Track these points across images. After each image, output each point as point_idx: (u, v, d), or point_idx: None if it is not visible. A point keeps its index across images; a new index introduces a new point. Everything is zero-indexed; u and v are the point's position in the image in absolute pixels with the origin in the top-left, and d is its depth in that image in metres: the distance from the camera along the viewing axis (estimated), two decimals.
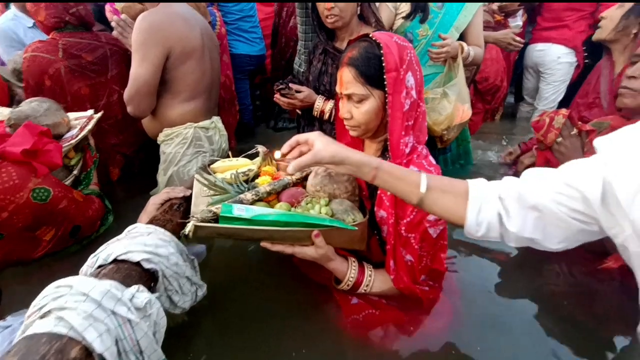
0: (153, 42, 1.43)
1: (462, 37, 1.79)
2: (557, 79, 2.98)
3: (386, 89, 0.95)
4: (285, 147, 0.95)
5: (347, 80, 0.99)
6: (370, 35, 0.98)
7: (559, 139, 1.41)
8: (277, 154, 1.19)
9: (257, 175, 1.27)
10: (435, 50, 1.64)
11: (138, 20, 1.44)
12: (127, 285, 0.69)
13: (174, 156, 1.67)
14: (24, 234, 1.29)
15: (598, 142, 0.66)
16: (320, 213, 1.04)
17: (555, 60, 2.93)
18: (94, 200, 1.51)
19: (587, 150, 1.38)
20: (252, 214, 0.97)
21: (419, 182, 0.82)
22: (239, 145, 2.75)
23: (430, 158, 1.04)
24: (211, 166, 1.32)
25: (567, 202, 0.66)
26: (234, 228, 0.94)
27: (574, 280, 1.30)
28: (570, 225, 0.68)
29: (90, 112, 1.62)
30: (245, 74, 2.92)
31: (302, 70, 1.84)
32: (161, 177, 1.74)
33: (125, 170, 1.96)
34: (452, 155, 2.03)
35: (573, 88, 3.02)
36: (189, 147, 1.67)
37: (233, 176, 1.19)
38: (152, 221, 0.98)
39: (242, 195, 1.09)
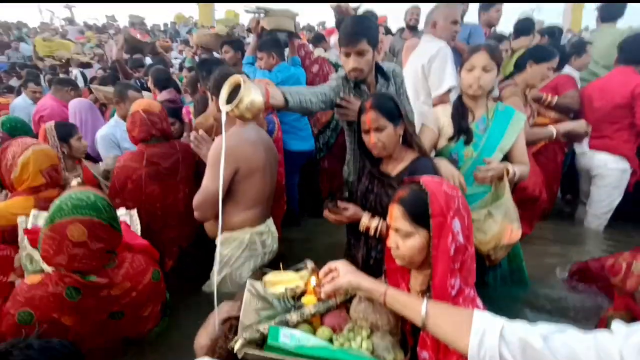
0: (225, 162, 1.65)
1: (506, 156, 1.83)
2: (608, 183, 2.88)
3: (431, 232, 1.00)
4: (321, 274, 1.17)
5: (395, 215, 1.08)
6: (422, 182, 1.06)
7: None
8: (313, 281, 1.27)
9: (304, 292, 1.33)
10: (480, 174, 1.70)
11: (216, 142, 1.72)
12: None
13: (229, 258, 1.82)
14: (137, 312, 1.53)
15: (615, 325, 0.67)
16: (361, 347, 1.06)
17: (603, 166, 2.86)
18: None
19: None
20: (296, 343, 1.02)
21: (421, 308, 0.92)
22: (284, 234, 2.83)
23: (478, 301, 1.03)
24: (263, 278, 1.41)
25: None
26: (278, 358, 0.99)
27: None
28: None
29: (123, 209, 1.84)
30: (297, 167, 3.14)
31: (350, 179, 1.98)
32: (215, 277, 1.85)
33: (177, 262, 2.11)
34: (503, 271, 1.95)
35: (637, 195, 2.93)
36: (245, 251, 1.83)
37: (282, 293, 1.27)
38: (213, 347, 1.05)
39: (288, 316, 1.15)
